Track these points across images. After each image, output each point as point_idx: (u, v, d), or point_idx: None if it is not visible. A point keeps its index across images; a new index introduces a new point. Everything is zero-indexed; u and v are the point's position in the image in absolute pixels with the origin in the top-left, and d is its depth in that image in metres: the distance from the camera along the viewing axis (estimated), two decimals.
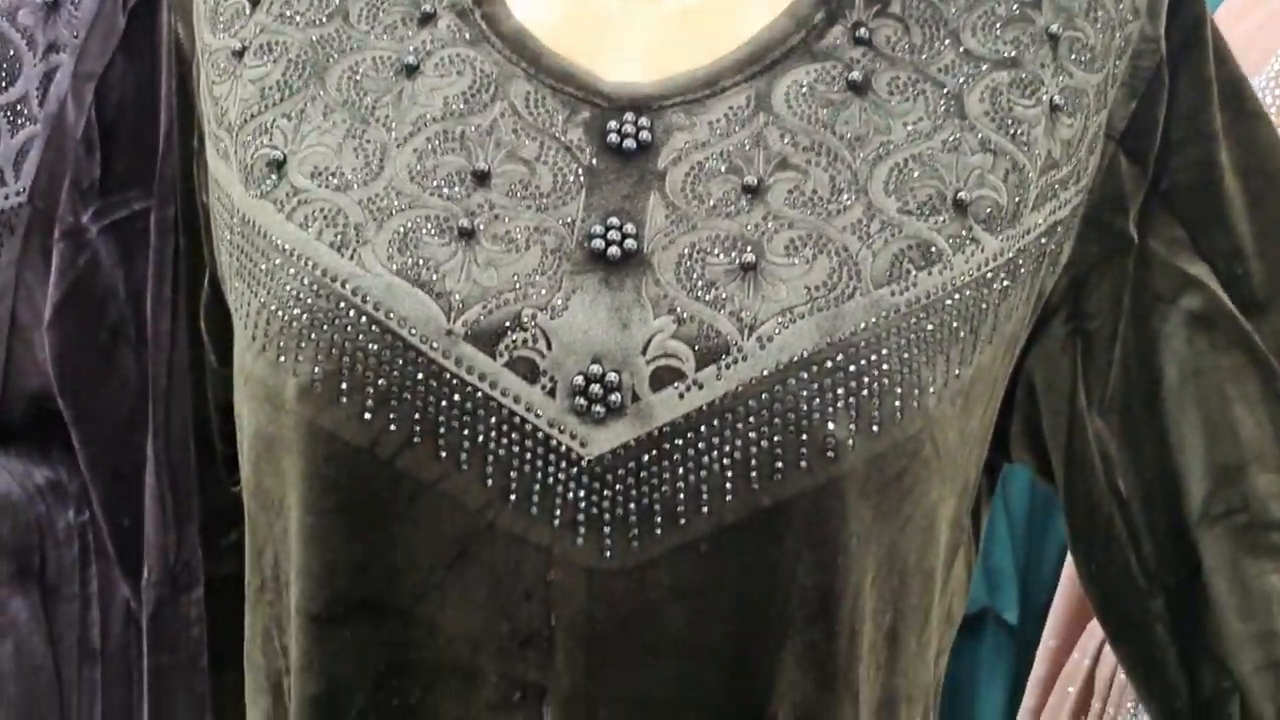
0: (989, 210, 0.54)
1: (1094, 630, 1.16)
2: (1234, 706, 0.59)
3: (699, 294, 0.51)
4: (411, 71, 0.57)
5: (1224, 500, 0.58)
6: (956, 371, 0.53)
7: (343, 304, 0.52)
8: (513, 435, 0.51)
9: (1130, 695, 1.05)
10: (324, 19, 0.59)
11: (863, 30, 0.57)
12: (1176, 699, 0.60)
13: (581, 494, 0.51)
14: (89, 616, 0.83)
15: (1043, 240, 0.56)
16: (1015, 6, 0.58)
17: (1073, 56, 0.57)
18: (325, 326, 0.52)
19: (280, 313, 0.53)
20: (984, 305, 0.54)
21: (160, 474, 0.80)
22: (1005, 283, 0.55)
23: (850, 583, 0.51)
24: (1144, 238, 0.59)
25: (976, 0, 0.58)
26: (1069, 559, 1.29)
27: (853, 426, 0.50)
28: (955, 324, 0.53)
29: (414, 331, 0.51)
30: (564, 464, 0.51)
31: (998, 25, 0.57)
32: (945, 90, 0.56)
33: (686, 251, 0.52)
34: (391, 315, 0.51)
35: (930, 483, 0.53)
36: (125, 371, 0.79)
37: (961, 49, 0.57)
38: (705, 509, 0.50)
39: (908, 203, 0.53)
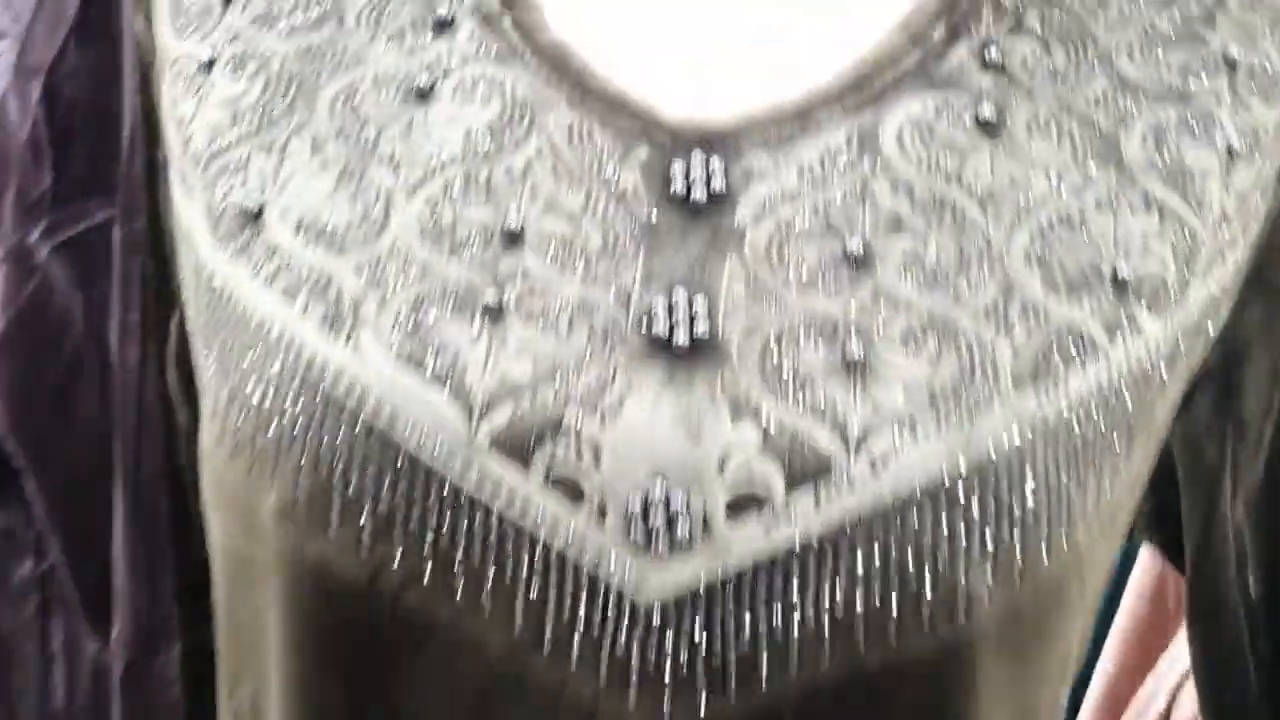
0: (1154, 288, 0.43)
1: (1173, 663, 1.07)
2: None
3: (791, 396, 0.40)
4: (424, 95, 0.45)
5: None
6: (1108, 491, 0.42)
7: (332, 405, 0.41)
8: (549, 574, 0.40)
9: None
10: (313, 23, 0.47)
11: (993, 50, 0.45)
12: None
13: (635, 646, 0.40)
14: (51, 678, 0.73)
15: (1203, 313, 0.45)
16: (1182, 23, 0.46)
17: (1253, 85, 0.46)
18: (311, 433, 0.41)
19: (254, 411, 0.42)
20: (1142, 405, 0.43)
21: (131, 523, 0.69)
22: (1164, 374, 0.44)
23: None
24: None
25: (1132, 14, 0.46)
26: (1130, 582, 1.19)
27: (989, 575, 0.39)
28: (1110, 433, 0.42)
29: (425, 441, 0.40)
30: (614, 610, 0.40)
31: (1161, 47, 0.46)
32: (1097, 130, 0.44)
33: (774, 338, 0.41)
34: (395, 420, 0.40)
35: (1073, 623, 0.43)
36: (87, 411, 0.68)
37: (1116, 77, 0.45)
38: (794, 670, 0.40)
39: (1055, 280, 0.42)
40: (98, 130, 0.65)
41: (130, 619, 0.71)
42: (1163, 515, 0.53)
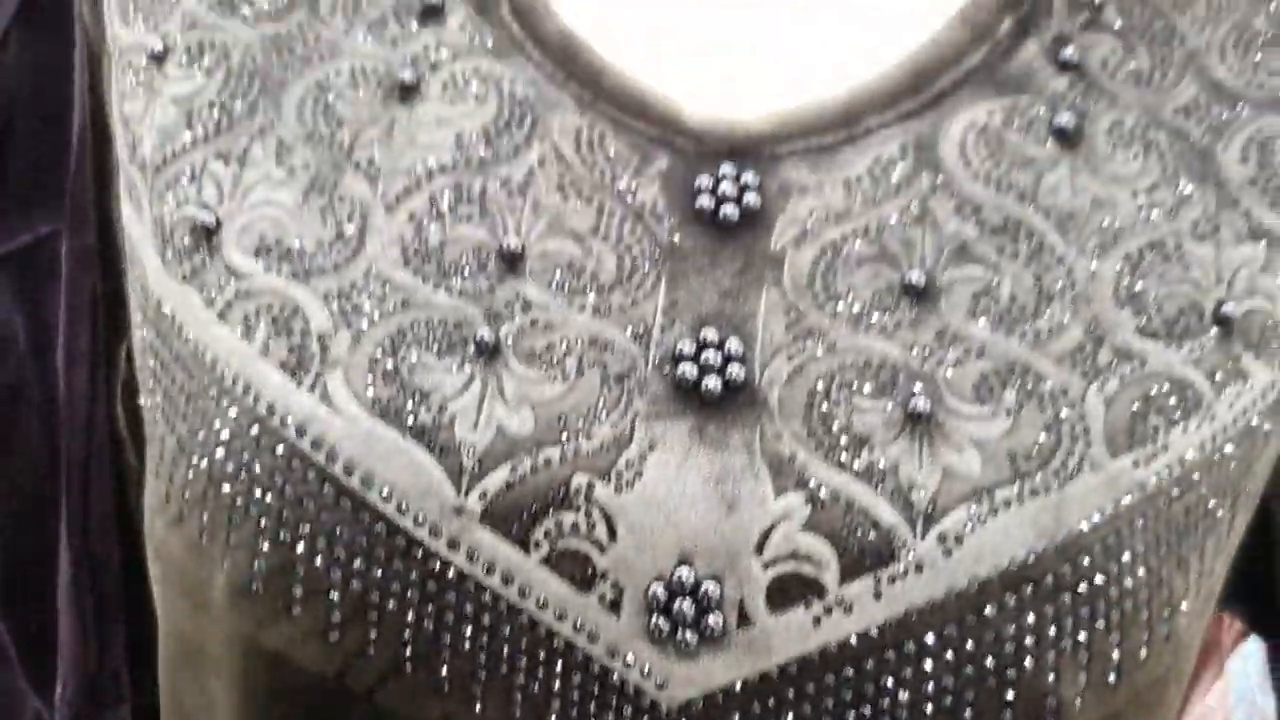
0: (1262, 328, 0.37)
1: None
2: None
3: (844, 458, 0.34)
4: (408, 93, 0.38)
5: None
6: (1210, 568, 0.36)
7: (297, 462, 0.34)
8: (552, 667, 0.34)
9: None
10: (282, 9, 0.40)
11: (1069, 50, 0.39)
12: None
13: None
14: None
15: None
16: None
17: None
18: (270, 496, 0.34)
19: (205, 467, 0.35)
20: (1246, 465, 0.37)
21: (78, 566, 0.62)
22: (1269, 426, 0.38)
23: None
24: None
25: (1222, 8, 0.40)
26: None
27: (1083, 677, 0.33)
28: (1214, 501, 0.36)
29: (404, 508, 0.34)
30: (630, 711, 0.34)
31: (1258, 46, 0.39)
32: (1189, 142, 0.38)
33: (821, 386, 0.35)
34: (370, 482, 0.34)
35: None
36: (29, 441, 0.62)
37: (1208, 80, 0.39)
38: None
39: (1150, 319, 0.36)
40: (42, 133, 0.58)
41: (75, 675, 0.64)
42: (1253, 583, 0.46)
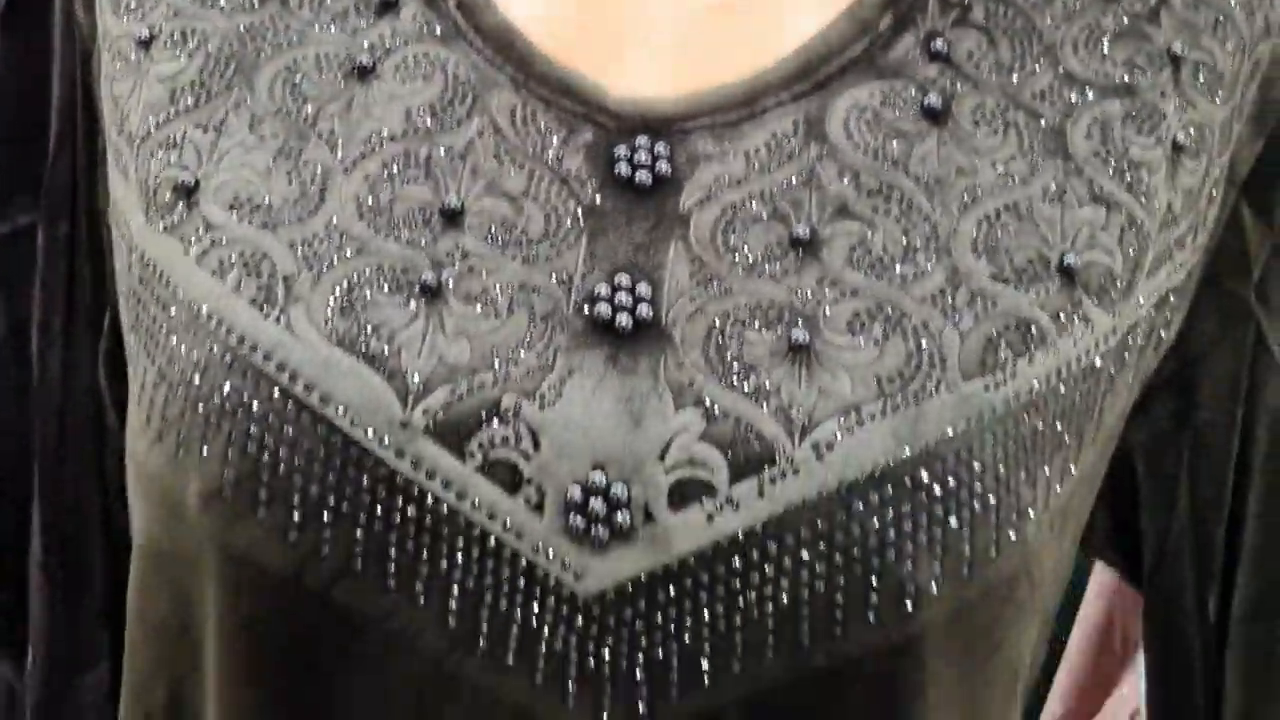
0: (1101, 279, 0.43)
1: (1122, 702, 1.06)
2: None
3: (735, 381, 0.39)
4: (365, 74, 0.44)
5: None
6: (1058, 486, 0.42)
7: (263, 383, 0.39)
8: (485, 561, 0.39)
9: None
10: (256, 3, 0.46)
11: (939, 42, 0.45)
12: None
13: (573, 640, 0.39)
14: None
15: (1154, 313, 0.45)
16: (1126, 19, 0.46)
17: (1198, 83, 0.46)
18: (239, 413, 0.39)
19: (181, 390, 0.40)
20: (1091, 399, 0.43)
21: (49, 545, 0.66)
22: (1113, 370, 0.43)
23: None
24: (1263, 307, 0.49)
25: (1077, 10, 0.46)
26: (1077, 623, 1.18)
27: (938, 567, 0.38)
28: (1059, 426, 0.41)
29: (357, 422, 0.39)
30: (552, 600, 0.39)
31: (1105, 41, 0.46)
32: (1043, 122, 0.44)
33: (718, 323, 0.40)
34: (328, 400, 0.39)
35: (1021, 627, 0.42)
36: (5, 423, 0.65)
37: (1061, 70, 0.45)
38: (738, 667, 0.38)
39: (1003, 267, 0.42)
40: (20, 127, 0.62)
41: (44, 646, 0.68)
42: (1122, 532, 0.52)
